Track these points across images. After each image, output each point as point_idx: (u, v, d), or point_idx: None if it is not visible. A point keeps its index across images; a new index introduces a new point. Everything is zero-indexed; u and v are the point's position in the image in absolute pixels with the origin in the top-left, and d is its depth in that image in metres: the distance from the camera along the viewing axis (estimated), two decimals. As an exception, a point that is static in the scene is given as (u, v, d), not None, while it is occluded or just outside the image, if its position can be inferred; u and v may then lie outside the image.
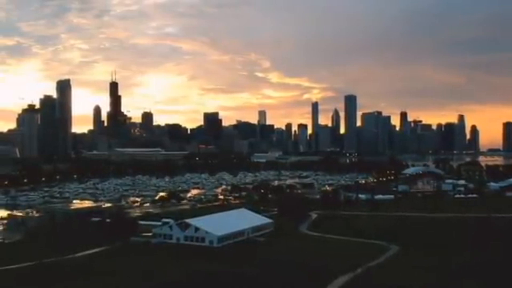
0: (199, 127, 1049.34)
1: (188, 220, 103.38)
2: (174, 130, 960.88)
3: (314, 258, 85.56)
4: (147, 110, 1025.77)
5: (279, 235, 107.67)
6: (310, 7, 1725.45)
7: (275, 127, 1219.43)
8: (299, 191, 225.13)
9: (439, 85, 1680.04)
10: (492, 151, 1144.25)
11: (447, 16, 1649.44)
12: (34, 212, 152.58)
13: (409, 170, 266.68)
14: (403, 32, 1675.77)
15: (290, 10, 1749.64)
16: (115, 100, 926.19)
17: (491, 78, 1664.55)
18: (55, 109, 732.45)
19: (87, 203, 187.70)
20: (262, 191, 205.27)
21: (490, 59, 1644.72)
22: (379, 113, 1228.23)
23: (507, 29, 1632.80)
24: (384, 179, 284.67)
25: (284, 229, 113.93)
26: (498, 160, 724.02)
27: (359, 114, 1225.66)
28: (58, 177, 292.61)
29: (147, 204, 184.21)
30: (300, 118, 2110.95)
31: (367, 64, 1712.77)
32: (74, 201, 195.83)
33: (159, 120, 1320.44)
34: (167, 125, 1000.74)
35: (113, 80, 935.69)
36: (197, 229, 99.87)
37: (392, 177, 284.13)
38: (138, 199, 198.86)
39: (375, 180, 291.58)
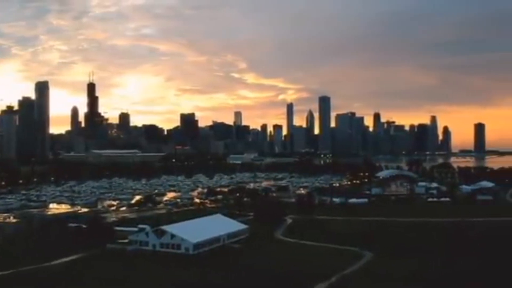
0: (176, 128, 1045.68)
1: (164, 227, 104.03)
2: (151, 131, 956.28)
3: (290, 265, 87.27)
4: (124, 111, 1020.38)
5: (254, 241, 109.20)
6: (287, 9, 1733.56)
7: (251, 127, 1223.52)
8: (274, 194, 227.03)
9: (412, 86, 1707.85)
10: (464, 152, 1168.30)
11: (422, 19, 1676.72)
12: (11, 217, 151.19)
13: (383, 173, 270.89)
14: (378, 34, 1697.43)
15: (267, 12, 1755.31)
16: (93, 101, 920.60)
17: (463, 79, 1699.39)
18: (33, 110, 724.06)
19: (64, 207, 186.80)
20: (238, 194, 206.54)
21: (462, 61, 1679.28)
22: (353, 114, 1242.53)
23: (479, 31, 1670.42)
24: (358, 181, 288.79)
25: (259, 235, 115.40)
26: (470, 162, 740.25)
27: (333, 115, 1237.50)
28: (35, 179, 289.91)
29: (124, 208, 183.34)
30: (276, 118, 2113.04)
31: (342, 65, 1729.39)
32: (51, 205, 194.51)
33: (136, 121, 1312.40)
34: (144, 126, 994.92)
35: (91, 81, 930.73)
36: (173, 236, 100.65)
37: (366, 180, 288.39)
38: (115, 203, 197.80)
39: (349, 182, 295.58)
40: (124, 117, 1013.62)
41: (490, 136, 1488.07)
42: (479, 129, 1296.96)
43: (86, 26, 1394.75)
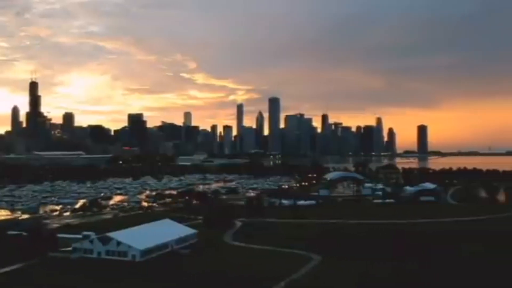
0: (123, 128, 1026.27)
1: (109, 234, 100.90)
2: (97, 132, 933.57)
3: (239, 270, 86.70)
4: (69, 111, 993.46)
5: (203, 247, 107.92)
6: (237, 9, 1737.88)
7: (201, 128, 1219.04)
8: (224, 196, 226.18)
9: (359, 88, 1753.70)
10: (408, 153, 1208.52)
11: (369, 22, 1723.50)
12: None
13: (330, 175, 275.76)
14: (326, 37, 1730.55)
15: (217, 11, 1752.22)
16: (35, 100, 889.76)
17: (407, 82, 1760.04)
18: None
19: (3, 214, 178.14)
20: (187, 197, 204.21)
21: (407, 65, 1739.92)
22: (302, 115, 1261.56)
23: (424, 36, 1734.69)
24: (307, 183, 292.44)
25: (208, 240, 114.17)
26: (414, 162, 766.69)
27: (282, 116, 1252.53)
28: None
29: (67, 214, 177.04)
30: (225, 119, 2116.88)
31: (291, 66, 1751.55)
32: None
33: (81, 121, 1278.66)
34: (90, 126, 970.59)
35: (33, 79, 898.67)
36: (119, 243, 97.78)
37: (314, 181, 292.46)
38: (58, 208, 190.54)
39: (298, 184, 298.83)
40: (68, 117, 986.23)
41: (433, 138, 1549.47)
42: (422, 130, 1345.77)
43: (29, 22, 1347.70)
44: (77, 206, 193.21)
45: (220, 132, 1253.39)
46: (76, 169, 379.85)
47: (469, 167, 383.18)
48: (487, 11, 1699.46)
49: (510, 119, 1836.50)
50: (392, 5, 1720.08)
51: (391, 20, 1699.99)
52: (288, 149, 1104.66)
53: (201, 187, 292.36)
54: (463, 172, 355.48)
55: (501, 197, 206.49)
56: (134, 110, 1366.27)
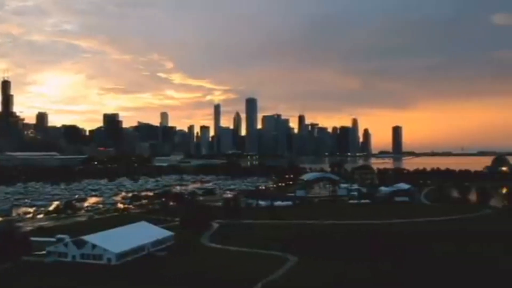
0: (98, 129, 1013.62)
1: (84, 237, 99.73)
2: (71, 132, 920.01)
3: (216, 272, 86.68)
4: (42, 110, 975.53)
5: (180, 249, 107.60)
6: (215, 9, 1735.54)
7: (177, 128, 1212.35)
8: (201, 198, 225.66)
9: (335, 89, 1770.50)
10: (383, 154, 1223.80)
11: (346, 24, 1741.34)
12: None
13: (307, 175, 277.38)
14: (304, 37, 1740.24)
15: (194, 11, 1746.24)
16: (7, 99, 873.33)
17: (382, 84, 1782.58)
18: None
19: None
20: (163, 199, 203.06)
21: (382, 66, 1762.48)
22: (279, 115, 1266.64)
23: (399, 38, 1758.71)
24: (283, 184, 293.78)
25: (185, 242, 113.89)
26: (388, 163, 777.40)
27: (259, 116, 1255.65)
28: None
29: (41, 216, 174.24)
30: (202, 119, 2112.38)
31: (268, 67, 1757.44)
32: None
33: (55, 121, 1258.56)
34: (64, 126, 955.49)
35: (5, 78, 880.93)
36: (94, 246, 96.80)
37: (291, 182, 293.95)
38: (31, 210, 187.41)
39: (274, 185, 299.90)
40: (42, 116, 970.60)
41: (407, 138, 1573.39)
42: (397, 131, 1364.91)
43: (1, 19, 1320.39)
44: (51, 208, 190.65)
45: (197, 133, 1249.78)
46: (50, 170, 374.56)
47: (442, 167, 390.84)
48: (461, 15, 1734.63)
49: (482, 120, 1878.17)
50: (369, 7, 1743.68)
51: (368, 22, 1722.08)
52: (265, 149, 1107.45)
53: (178, 188, 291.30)
54: (436, 173, 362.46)
55: (473, 197, 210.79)
56: (110, 110, 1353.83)
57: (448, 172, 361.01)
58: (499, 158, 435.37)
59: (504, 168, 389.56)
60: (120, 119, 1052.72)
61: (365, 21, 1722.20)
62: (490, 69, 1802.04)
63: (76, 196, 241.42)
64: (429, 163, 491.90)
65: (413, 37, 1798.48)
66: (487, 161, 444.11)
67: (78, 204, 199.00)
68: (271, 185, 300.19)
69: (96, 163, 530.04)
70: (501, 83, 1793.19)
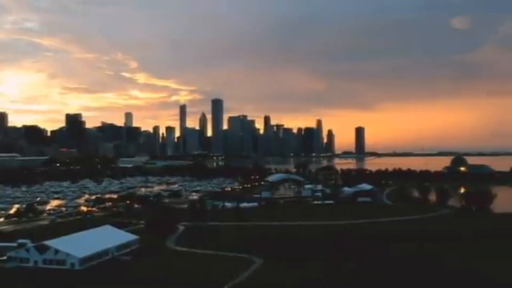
0: (60, 129, 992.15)
1: (47, 242, 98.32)
2: (32, 132, 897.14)
3: (182, 275, 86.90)
4: (1, 110, 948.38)
5: (145, 253, 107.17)
6: (181, 8, 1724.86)
7: (142, 129, 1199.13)
8: (167, 200, 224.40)
9: (300, 90, 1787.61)
10: (346, 154, 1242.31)
11: (312, 26, 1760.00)
12: None
13: (272, 177, 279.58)
14: (270, 38, 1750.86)
15: (160, 10, 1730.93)
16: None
17: (346, 85, 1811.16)
18: None
19: None
20: (128, 201, 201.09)
21: (346, 68, 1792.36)
22: (245, 116, 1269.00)
23: (363, 40, 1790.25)
24: (249, 185, 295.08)
25: (151, 246, 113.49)
26: (352, 163, 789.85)
27: (225, 117, 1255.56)
28: None
29: (1, 220, 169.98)
30: (168, 120, 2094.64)
31: (235, 68, 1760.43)
32: None
33: (15, 121, 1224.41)
34: (24, 127, 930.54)
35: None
36: (57, 251, 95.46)
37: (257, 183, 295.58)
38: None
39: (240, 186, 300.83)
40: (2, 116, 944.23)
41: (370, 139, 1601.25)
42: (360, 132, 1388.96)
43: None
44: (12, 211, 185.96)
45: (163, 133, 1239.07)
46: (10, 172, 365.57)
47: (404, 167, 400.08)
48: (423, 19, 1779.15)
49: (441, 121, 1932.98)
50: (335, 10, 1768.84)
51: (334, 25, 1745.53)
52: (231, 150, 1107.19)
53: (143, 190, 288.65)
54: (398, 173, 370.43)
55: (432, 197, 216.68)
56: (72, 110, 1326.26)
57: (409, 173, 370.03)
58: (458, 159, 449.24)
59: (462, 168, 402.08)
60: (83, 119, 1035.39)
61: (331, 24, 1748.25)
62: (449, 71, 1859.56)
63: (38, 199, 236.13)
64: (391, 163, 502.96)
65: (377, 39, 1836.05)
66: (447, 161, 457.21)
67: (39, 207, 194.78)
68: (237, 186, 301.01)
69: (58, 164, 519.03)
70: (460, 85, 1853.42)
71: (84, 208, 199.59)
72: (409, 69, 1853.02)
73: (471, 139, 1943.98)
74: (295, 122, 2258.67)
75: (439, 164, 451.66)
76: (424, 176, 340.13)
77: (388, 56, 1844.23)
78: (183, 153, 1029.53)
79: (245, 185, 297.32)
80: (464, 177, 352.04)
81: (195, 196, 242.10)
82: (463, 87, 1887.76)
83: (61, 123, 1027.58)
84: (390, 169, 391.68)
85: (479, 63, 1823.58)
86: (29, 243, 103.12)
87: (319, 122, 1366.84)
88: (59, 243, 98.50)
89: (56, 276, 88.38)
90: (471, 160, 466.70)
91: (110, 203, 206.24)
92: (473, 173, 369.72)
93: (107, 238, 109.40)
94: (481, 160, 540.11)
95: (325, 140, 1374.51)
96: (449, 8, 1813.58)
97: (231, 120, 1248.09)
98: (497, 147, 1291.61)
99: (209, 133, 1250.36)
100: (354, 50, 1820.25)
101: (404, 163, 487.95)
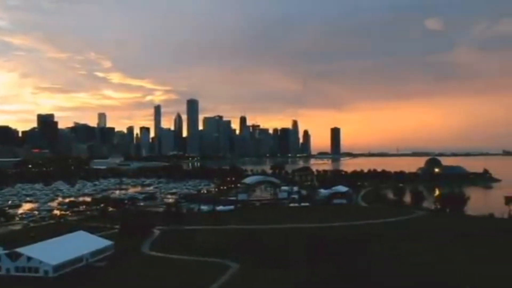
0: (32, 130, 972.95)
1: (19, 249, 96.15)
2: (3, 133, 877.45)
3: (157, 282, 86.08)
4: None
5: (120, 258, 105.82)
6: (155, 7, 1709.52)
7: (116, 130, 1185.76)
8: (142, 203, 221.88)
9: (276, 91, 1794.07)
10: (322, 154, 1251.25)
11: (288, 27, 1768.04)
12: None
13: (249, 179, 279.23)
14: (246, 39, 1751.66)
15: (134, 9, 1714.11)
16: None
17: (322, 86, 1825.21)
18: None
19: None
20: (102, 205, 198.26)
21: (322, 69, 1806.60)
22: (221, 117, 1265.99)
23: (339, 42, 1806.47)
24: (225, 187, 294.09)
25: (125, 251, 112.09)
26: (327, 164, 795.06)
27: (201, 117, 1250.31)
28: None
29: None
30: (143, 120, 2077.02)
31: (211, 68, 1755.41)
32: None
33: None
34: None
35: None
36: (29, 258, 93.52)
37: (233, 185, 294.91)
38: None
39: (216, 188, 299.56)
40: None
41: (345, 139, 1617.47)
42: (335, 132, 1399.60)
43: None
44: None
45: (137, 134, 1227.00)
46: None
47: (379, 168, 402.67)
48: (397, 20, 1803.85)
49: (416, 121, 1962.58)
50: (310, 11, 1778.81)
51: (309, 26, 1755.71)
52: (207, 151, 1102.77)
53: (117, 192, 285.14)
54: (373, 174, 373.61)
55: (407, 198, 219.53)
56: (44, 110, 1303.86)
57: (384, 174, 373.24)
58: (432, 160, 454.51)
59: (436, 170, 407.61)
60: (55, 119, 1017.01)
61: (306, 25, 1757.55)
62: (424, 71, 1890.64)
63: (9, 202, 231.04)
64: (366, 164, 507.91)
65: (352, 40, 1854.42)
66: (421, 161, 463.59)
67: (11, 211, 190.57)
68: (213, 188, 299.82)
69: (30, 166, 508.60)
70: (434, 85, 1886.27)
71: (57, 212, 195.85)
72: (384, 69, 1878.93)
73: (445, 139, 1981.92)
74: (271, 122, 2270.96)
75: (414, 165, 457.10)
76: (399, 177, 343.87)
77: (363, 56, 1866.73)
78: (158, 154, 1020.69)
79: (221, 187, 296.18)
80: (438, 178, 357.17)
81: (170, 199, 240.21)
82: (437, 88, 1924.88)
83: (33, 124, 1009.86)
84: (365, 170, 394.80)
85: (453, 64, 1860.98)
86: (0, 251, 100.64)
87: (295, 123, 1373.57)
88: (31, 250, 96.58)
89: (29, 284, 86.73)
90: (445, 161, 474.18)
91: (84, 207, 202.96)
92: (447, 174, 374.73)
93: (81, 244, 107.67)
94: (454, 161, 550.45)
95: (301, 141, 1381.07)
96: (423, 9, 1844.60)
97: (206, 120, 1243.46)
98: (470, 147, 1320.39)
99: (185, 133, 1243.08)
100: (329, 51, 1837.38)
101: (379, 164, 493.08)
